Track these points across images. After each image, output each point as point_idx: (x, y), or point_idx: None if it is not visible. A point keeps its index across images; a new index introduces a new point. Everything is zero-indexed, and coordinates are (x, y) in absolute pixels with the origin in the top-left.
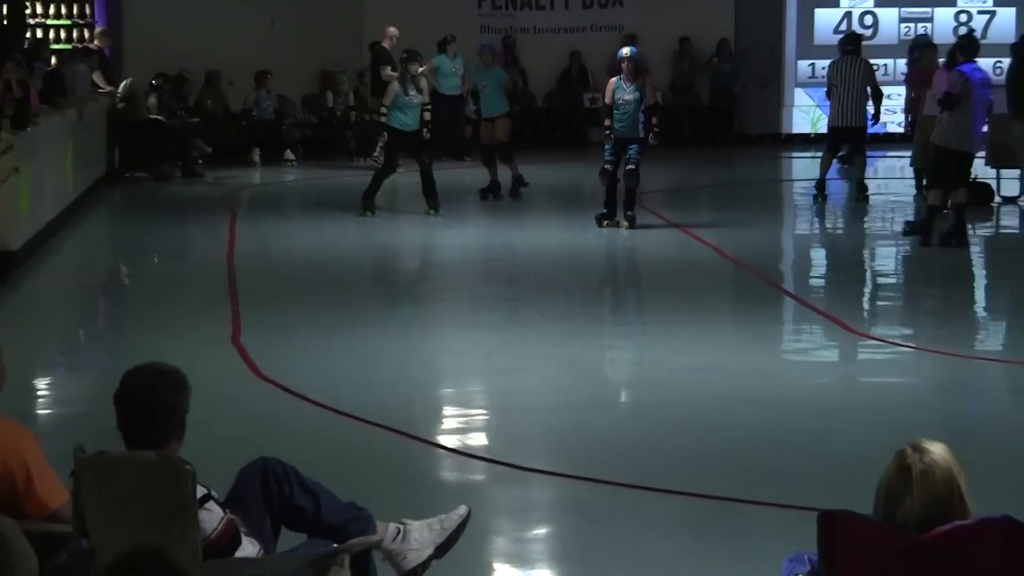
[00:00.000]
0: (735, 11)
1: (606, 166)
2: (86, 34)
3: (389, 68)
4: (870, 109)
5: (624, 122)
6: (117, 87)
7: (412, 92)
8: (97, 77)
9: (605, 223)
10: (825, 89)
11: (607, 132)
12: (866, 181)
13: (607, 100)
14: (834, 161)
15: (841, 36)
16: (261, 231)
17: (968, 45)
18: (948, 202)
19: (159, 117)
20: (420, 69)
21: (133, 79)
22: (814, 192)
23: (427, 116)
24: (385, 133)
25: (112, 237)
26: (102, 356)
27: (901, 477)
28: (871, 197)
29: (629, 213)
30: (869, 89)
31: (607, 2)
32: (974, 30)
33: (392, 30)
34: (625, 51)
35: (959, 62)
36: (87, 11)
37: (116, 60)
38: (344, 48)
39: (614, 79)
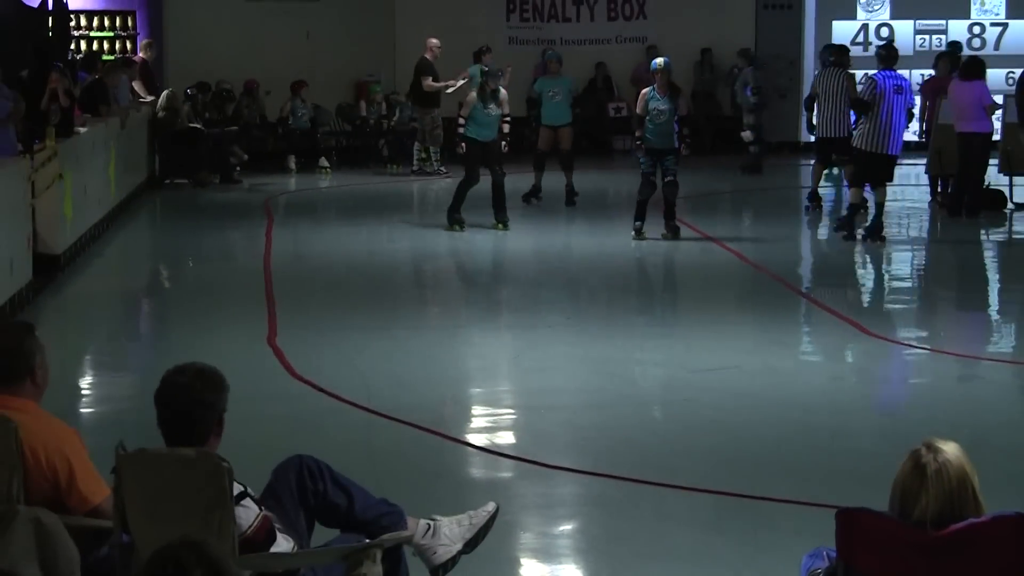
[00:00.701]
0: (755, 23)
1: (651, 178)
2: (128, 46)
3: (431, 78)
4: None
5: (658, 133)
6: (158, 97)
7: (491, 106)
8: (137, 86)
9: (644, 234)
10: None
11: (638, 143)
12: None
13: (639, 110)
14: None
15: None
16: (296, 236)
17: (886, 55)
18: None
19: (198, 126)
20: (502, 84)
21: (173, 89)
22: (807, 204)
23: (506, 129)
24: (463, 144)
25: (153, 241)
26: (143, 356)
27: (916, 476)
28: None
29: (673, 223)
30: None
31: (631, 14)
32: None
33: (434, 41)
34: (659, 62)
35: (881, 69)
36: (130, 23)
37: (158, 70)
38: (377, 59)
39: (647, 90)
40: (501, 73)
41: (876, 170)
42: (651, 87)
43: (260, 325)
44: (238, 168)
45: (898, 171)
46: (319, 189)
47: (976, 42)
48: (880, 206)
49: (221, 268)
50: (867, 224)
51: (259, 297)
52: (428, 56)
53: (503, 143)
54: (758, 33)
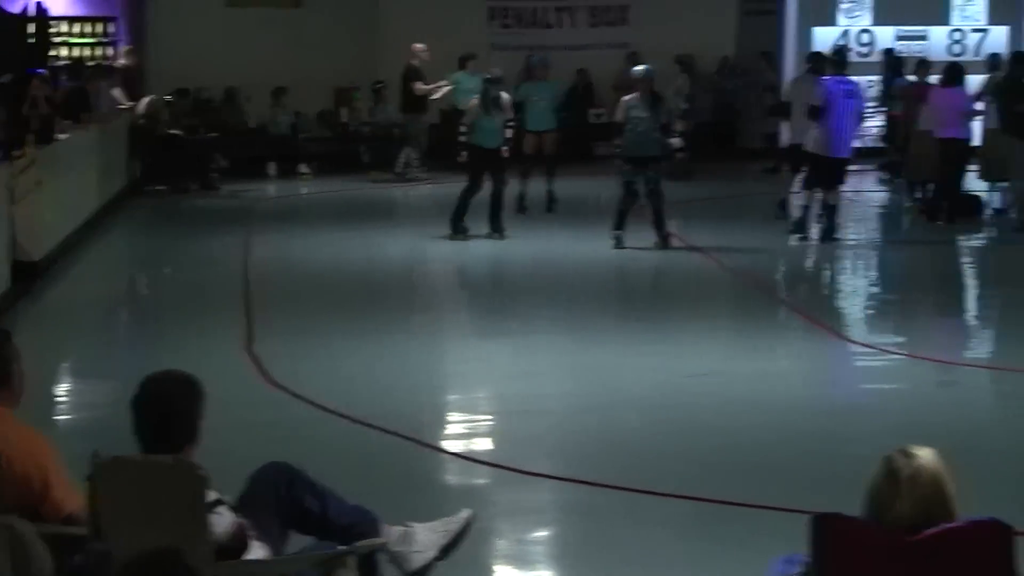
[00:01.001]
0: (736, 29)
1: (632, 187)
2: (109, 52)
3: (420, 83)
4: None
5: (638, 141)
6: (138, 103)
7: (494, 112)
8: (117, 93)
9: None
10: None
11: (617, 149)
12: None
13: (618, 118)
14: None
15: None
16: (276, 242)
17: (837, 60)
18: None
19: (179, 132)
20: (504, 95)
21: (154, 96)
22: (778, 212)
23: (508, 134)
24: (464, 152)
25: (132, 248)
26: (120, 363)
27: (889, 481)
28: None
29: (663, 233)
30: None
31: (613, 21)
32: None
33: (420, 46)
34: (639, 69)
35: (827, 74)
36: (111, 30)
37: (140, 77)
38: (358, 66)
39: (627, 97)
40: (502, 80)
41: (824, 173)
42: (633, 95)
43: (238, 332)
44: (218, 175)
45: (875, 177)
46: (299, 195)
47: (956, 48)
48: (832, 208)
49: (200, 275)
50: (822, 226)
51: (237, 304)
52: (415, 62)
53: (503, 148)
54: (739, 39)
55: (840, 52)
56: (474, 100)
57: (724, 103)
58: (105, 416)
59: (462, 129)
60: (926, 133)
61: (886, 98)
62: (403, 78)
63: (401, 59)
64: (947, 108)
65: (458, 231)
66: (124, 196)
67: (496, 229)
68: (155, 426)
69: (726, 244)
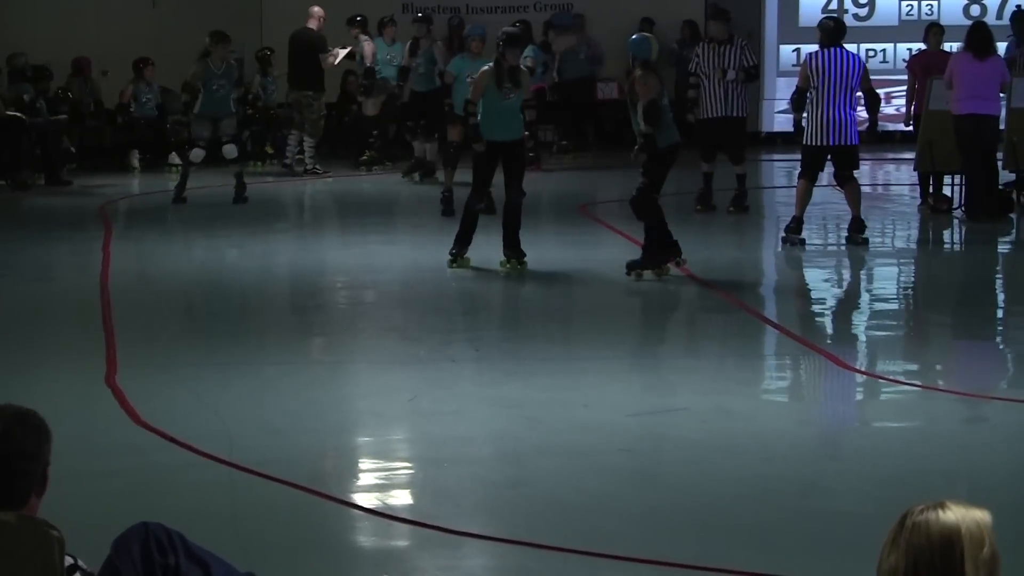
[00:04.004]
0: None
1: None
2: None
3: (332, 56)
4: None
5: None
6: None
7: (507, 85)
8: None
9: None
10: None
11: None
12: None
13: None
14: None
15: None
16: (141, 250)
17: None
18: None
19: (18, 114)
20: (527, 60)
21: None
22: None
23: (529, 117)
24: (479, 143)
25: None
26: None
27: (894, 530)
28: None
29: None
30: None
31: None
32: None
33: (318, 9)
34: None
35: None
36: None
37: None
38: (241, 33)
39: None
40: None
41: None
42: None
43: (96, 360)
44: (67, 166)
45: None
46: (169, 192)
47: (975, 9)
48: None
49: (47, 289)
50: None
51: (95, 326)
52: (313, 25)
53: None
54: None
55: (836, 19)
56: (485, 69)
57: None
58: None
59: (471, 109)
60: (939, 114)
61: None
62: (300, 47)
63: (291, 22)
64: (985, 80)
65: (456, 257)
66: None
67: (512, 255)
68: None
69: (693, 247)
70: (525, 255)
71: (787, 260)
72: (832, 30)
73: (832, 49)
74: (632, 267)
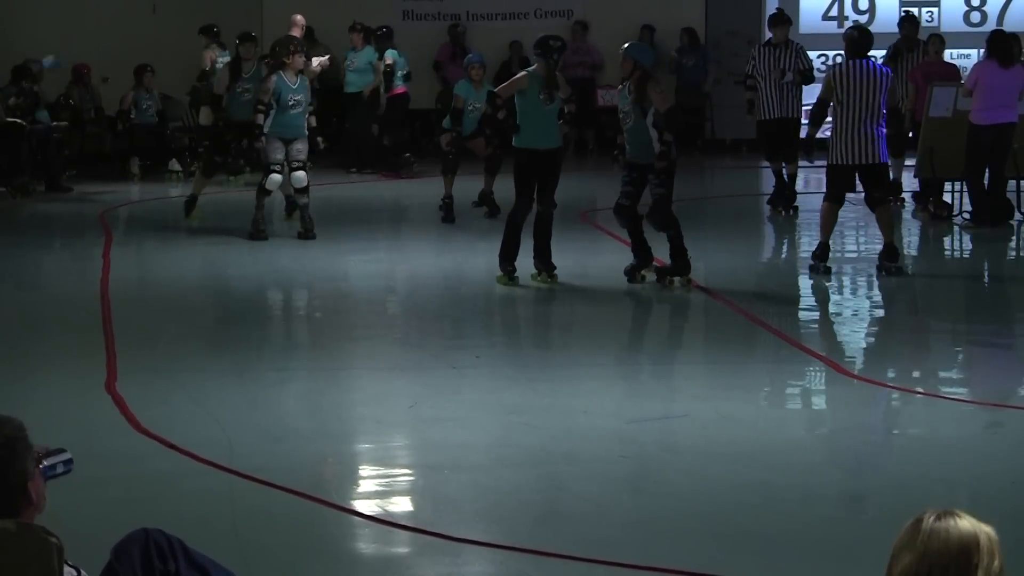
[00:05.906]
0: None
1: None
2: None
3: (316, 62)
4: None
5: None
6: None
7: (544, 96)
8: None
9: (641, 275)
10: None
11: (616, 153)
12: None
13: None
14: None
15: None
16: (141, 257)
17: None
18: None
19: (19, 121)
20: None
21: None
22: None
23: (571, 108)
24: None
25: None
26: None
27: (909, 534)
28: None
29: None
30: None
31: None
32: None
33: (300, 18)
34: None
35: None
36: None
37: None
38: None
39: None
40: (563, 46)
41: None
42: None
43: (96, 367)
44: (68, 173)
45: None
46: (169, 198)
47: (975, 16)
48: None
49: (47, 296)
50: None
51: (95, 333)
52: (297, 34)
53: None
54: (709, 7)
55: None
56: (522, 74)
57: (689, 85)
58: None
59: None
60: (940, 121)
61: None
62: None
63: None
64: (1008, 88)
65: (505, 273)
66: None
67: (544, 268)
68: None
69: (698, 253)
70: (556, 268)
71: (791, 267)
72: (857, 40)
73: (857, 60)
74: (661, 275)
